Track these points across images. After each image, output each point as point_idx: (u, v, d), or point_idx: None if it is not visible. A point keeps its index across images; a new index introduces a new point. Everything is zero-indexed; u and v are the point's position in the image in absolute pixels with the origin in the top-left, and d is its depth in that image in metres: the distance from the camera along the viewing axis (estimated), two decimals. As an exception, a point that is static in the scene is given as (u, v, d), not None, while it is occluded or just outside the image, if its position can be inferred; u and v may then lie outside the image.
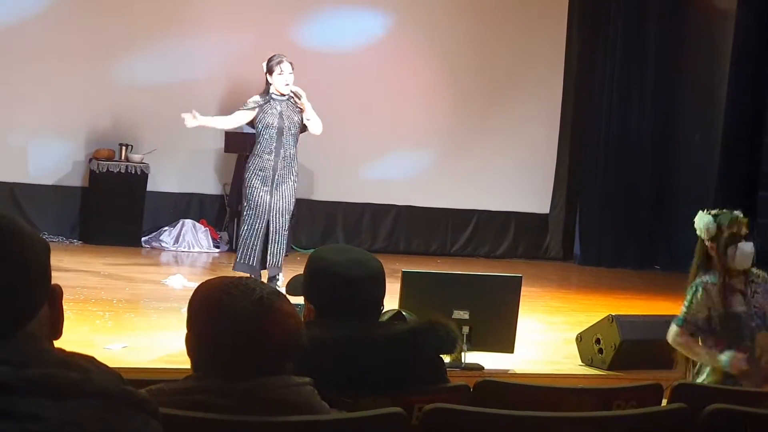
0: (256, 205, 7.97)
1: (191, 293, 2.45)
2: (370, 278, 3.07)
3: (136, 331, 6.53)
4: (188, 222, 11.36)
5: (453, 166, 12.24)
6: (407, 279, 5.82)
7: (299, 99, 7.86)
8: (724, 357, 4.78)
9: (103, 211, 11.04)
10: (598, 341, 6.40)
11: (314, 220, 11.81)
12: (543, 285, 9.99)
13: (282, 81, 7.89)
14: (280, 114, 7.93)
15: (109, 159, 11.12)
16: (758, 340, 4.85)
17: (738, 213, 5.06)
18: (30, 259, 1.62)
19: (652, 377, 4.71)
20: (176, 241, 11.25)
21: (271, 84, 7.96)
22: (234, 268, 8.02)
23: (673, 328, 4.99)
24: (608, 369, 6.26)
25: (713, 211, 5.06)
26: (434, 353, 3.07)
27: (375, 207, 12.15)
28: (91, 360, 1.61)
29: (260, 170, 7.95)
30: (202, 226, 11.40)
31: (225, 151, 11.41)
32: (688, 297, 5.00)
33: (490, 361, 5.99)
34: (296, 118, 7.95)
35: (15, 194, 11.03)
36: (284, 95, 7.94)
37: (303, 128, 8.02)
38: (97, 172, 11.05)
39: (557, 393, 3.43)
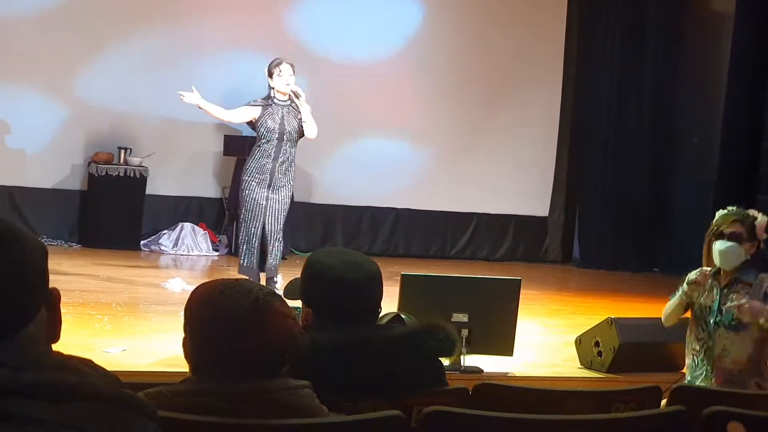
0: (253, 207, 7.98)
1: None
2: (366, 280, 3.08)
3: (135, 335, 6.53)
4: (187, 225, 11.37)
5: (452, 169, 12.25)
6: (406, 282, 5.81)
7: (298, 98, 7.86)
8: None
9: (102, 215, 11.04)
10: (597, 344, 6.39)
11: (313, 223, 11.82)
12: (542, 288, 9.99)
13: (282, 81, 7.90)
14: (282, 119, 7.93)
15: (108, 162, 11.12)
16: (719, 338, 4.84)
17: (729, 210, 4.98)
18: (27, 262, 1.62)
19: (651, 380, 4.70)
20: (175, 244, 11.25)
21: (272, 88, 7.96)
22: (239, 272, 8.03)
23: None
24: (607, 372, 6.26)
25: (730, 208, 5.04)
26: (433, 356, 3.07)
27: (374, 210, 12.16)
28: (88, 363, 1.61)
29: (258, 173, 7.95)
30: (201, 230, 11.40)
31: (224, 155, 11.42)
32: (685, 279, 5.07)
33: (489, 364, 5.99)
34: (296, 123, 7.95)
35: (14, 198, 11.03)
36: (285, 100, 7.94)
37: (302, 133, 8.02)
38: (96, 175, 11.06)
39: (556, 396, 3.43)
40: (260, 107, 7.97)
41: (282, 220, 8.07)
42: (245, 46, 11.33)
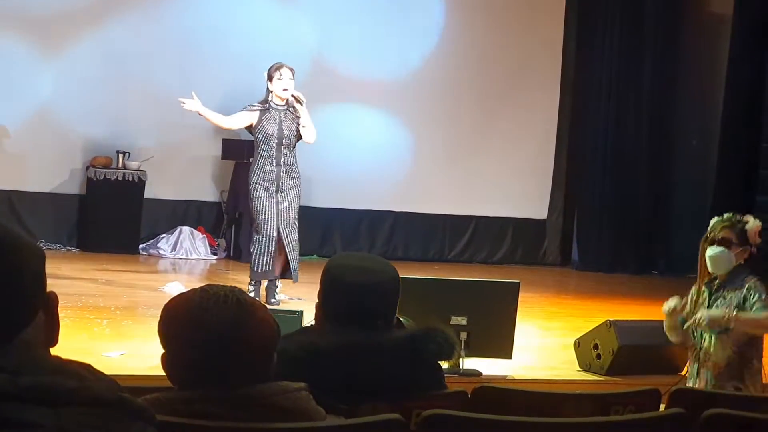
0: (265, 214, 7.95)
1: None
2: (373, 287, 3.05)
3: (134, 339, 6.52)
4: (186, 229, 11.37)
5: (450, 172, 12.25)
6: (405, 285, 5.73)
7: (300, 104, 7.84)
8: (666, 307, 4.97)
9: (101, 219, 11.04)
10: (596, 346, 6.39)
11: (312, 227, 11.80)
12: (541, 290, 9.98)
13: (281, 86, 7.88)
14: (280, 124, 7.91)
15: (107, 166, 11.12)
16: (704, 341, 4.95)
17: (724, 216, 5.02)
18: (24, 266, 1.62)
19: (650, 382, 4.70)
20: (174, 248, 11.25)
21: (271, 92, 7.94)
22: (252, 278, 8.00)
23: None
24: (606, 374, 6.25)
25: (726, 215, 5.07)
26: (432, 359, 3.07)
27: (373, 213, 12.15)
28: (87, 367, 1.61)
29: (264, 180, 7.94)
30: (200, 233, 11.40)
31: (222, 158, 11.42)
32: None
33: (488, 367, 5.98)
34: (294, 127, 7.94)
35: (12, 202, 11.03)
36: (283, 104, 7.92)
37: (299, 137, 8.00)
38: (95, 179, 11.06)
39: (555, 398, 3.43)
40: (258, 112, 7.95)
41: (295, 223, 8.04)
42: (249, 55, 11.32)
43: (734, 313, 4.80)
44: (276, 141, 7.91)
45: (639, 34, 12.51)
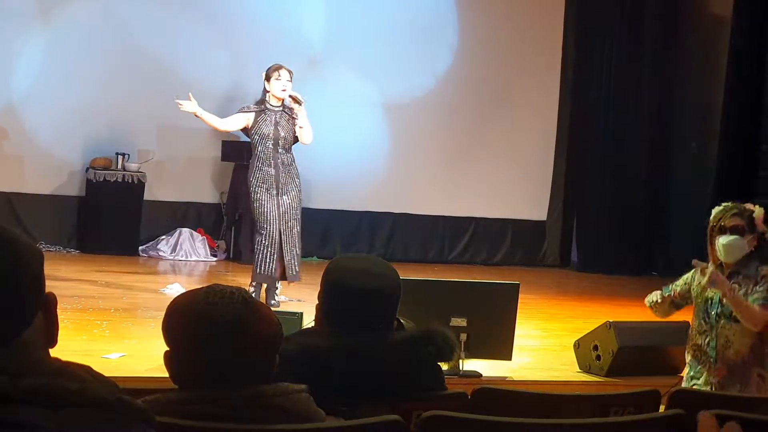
0: (267, 216, 7.94)
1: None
2: (374, 291, 3.04)
3: (133, 340, 6.53)
4: (185, 231, 11.37)
5: (450, 174, 12.25)
6: (404, 287, 5.74)
7: (299, 104, 7.83)
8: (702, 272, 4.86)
9: (101, 221, 11.04)
10: (595, 348, 6.39)
11: (311, 228, 11.78)
12: (540, 292, 9.99)
13: (279, 86, 7.87)
14: (276, 124, 7.90)
15: (106, 168, 11.12)
16: (722, 330, 4.87)
17: (726, 205, 5.00)
18: (23, 268, 1.62)
19: (650, 384, 4.70)
20: (173, 249, 11.25)
21: (268, 92, 7.94)
22: (254, 280, 7.98)
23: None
24: (606, 375, 6.25)
25: (726, 204, 5.04)
26: (432, 361, 3.07)
27: (372, 215, 12.16)
28: (87, 369, 1.61)
29: (263, 182, 7.92)
30: (200, 235, 11.40)
31: (222, 160, 11.43)
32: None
33: (487, 368, 5.99)
34: (290, 128, 7.93)
35: (12, 204, 11.03)
36: (279, 105, 7.92)
37: (296, 139, 7.99)
38: (94, 181, 11.06)
39: (555, 400, 3.43)
40: (253, 113, 7.95)
41: (297, 224, 8.02)
42: (243, 54, 11.33)
43: (738, 292, 4.78)
44: (272, 142, 7.89)
45: (638, 35, 12.52)
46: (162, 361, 2.37)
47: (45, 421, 1.49)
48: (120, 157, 11.16)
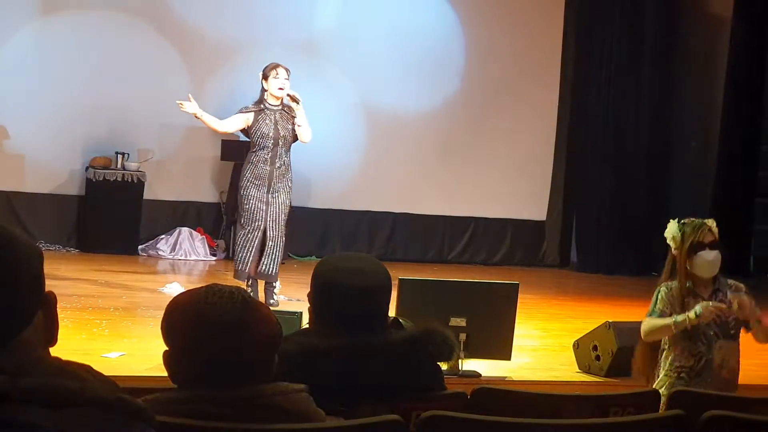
0: (252, 213, 7.94)
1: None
2: (368, 289, 3.03)
3: (133, 339, 6.53)
4: (185, 230, 11.36)
5: (449, 173, 12.25)
6: (404, 286, 5.81)
7: (297, 102, 7.82)
8: (697, 308, 4.68)
9: (100, 220, 11.04)
10: (595, 348, 6.39)
11: (311, 227, 11.81)
12: (540, 292, 9.98)
13: (276, 85, 7.85)
14: (275, 123, 7.90)
15: (106, 167, 11.12)
16: (718, 349, 4.77)
17: (706, 220, 4.96)
18: (22, 267, 1.62)
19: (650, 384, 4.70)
20: (173, 249, 11.24)
21: (266, 91, 7.93)
22: (234, 277, 8.02)
23: (645, 322, 4.90)
24: (605, 376, 6.26)
25: (684, 220, 4.98)
26: (431, 361, 3.06)
27: (372, 214, 12.15)
28: (87, 369, 1.61)
29: (256, 179, 7.92)
30: (199, 234, 11.40)
31: (221, 159, 11.42)
32: (654, 298, 4.91)
33: (487, 368, 5.99)
34: (290, 127, 7.92)
35: (12, 203, 11.03)
36: (278, 104, 7.91)
37: (295, 138, 7.99)
38: (94, 180, 11.06)
39: (554, 400, 3.43)
40: (253, 113, 7.93)
41: (282, 225, 8.04)
42: (241, 55, 11.33)
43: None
44: (272, 141, 7.89)
45: (638, 35, 12.51)
46: (161, 361, 2.37)
47: (45, 420, 1.49)
48: (120, 157, 11.16)
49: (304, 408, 2.40)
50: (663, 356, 4.90)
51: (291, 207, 8.31)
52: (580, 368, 6.50)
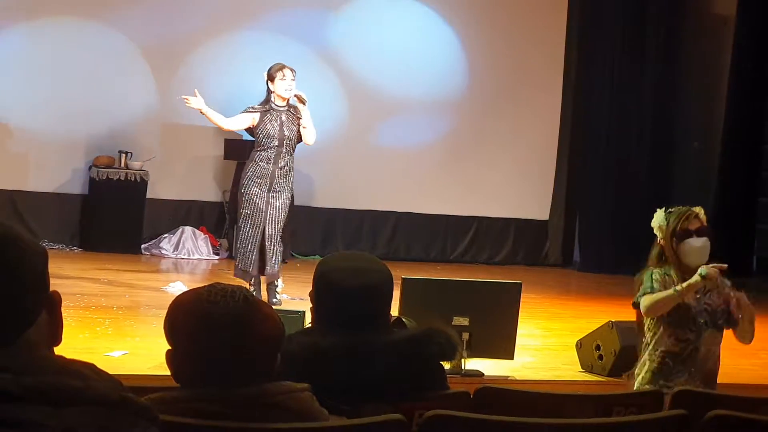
0: (253, 212, 7.95)
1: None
2: (369, 288, 3.03)
3: (135, 338, 6.54)
4: (188, 229, 11.36)
5: (452, 173, 12.25)
6: (407, 286, 5.81)
7: (304, 104, 7.82)
8: (702, 269, 4.59)
9: (103, 219, 11.04)
10: (598, 347, 6.39)
11: (314, 226, 11.81)
12: (543, 291, 9.98)
13: (283, 86, 7.86)
14: (281, 124, 7.90)
15: (109, 166, 11.12)
16: (705, 339, 4.69)
17: (693, 208, 4.90)
18: (27, 266, 1.62)
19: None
20: (176, 248, 11.25)
21: (272, 92, 7.92)
22: (235, 275, 8.03)
23: (644, 299, 4.77)
24: (608, 375, 6.25)
25: (671, 209, 4.93)
26: (434, 360, 3.06)
27: (375, 214, 12.15)
28: (91, 367, 1.61)
29: (258, 178, 7.93)
30: (202, 234, 11.40)
31: (224, 159, 11.43)
32: (646, 279, 4.80)
33: (490, 367, 5.99)
34: (295, 128, 7.93)
35: (15, 202, 11.03)
36: (284, 105, 7.91)
37: (299, 139, 8.00)
38: (97, 179, 11.06)
39: (557, 399, 3.43)
40: (259, 113, 7.94)
41: (282, 225, 8.05)
42: (247, 52, 11.33)
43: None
44: (277, 142, 7.89)
45: (641, 35, 12.50)
46: (164, 360, 2.37)
47: (48, 419, 1.49)
48: (123, 156, 11.16)
49: (307, 407, 2.40)
50: (646, 341, 4.82)
51: (292, 205, 8.30)
52: (582, 368, 6.50)
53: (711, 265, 4.64)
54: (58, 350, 1.67)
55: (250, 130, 8.09)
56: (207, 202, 11.74)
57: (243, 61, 11.16)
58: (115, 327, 6.92)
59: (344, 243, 11.92)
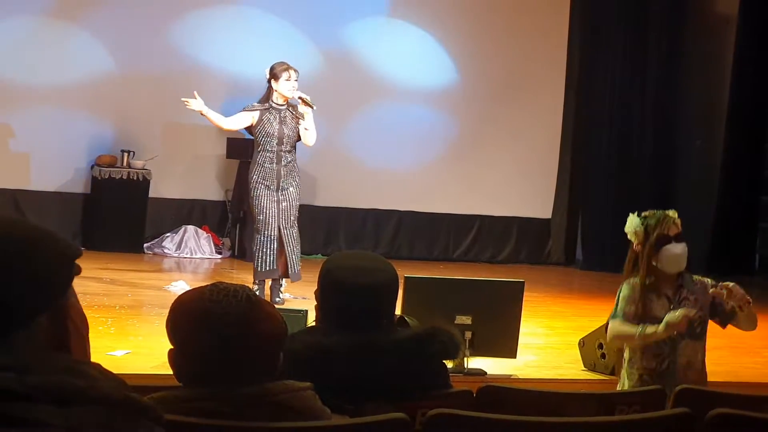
0: (266, 213, 7.97)
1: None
2: (374, 287, 3.02)
3: (138, 338, 6.54)
4: (190, 228, 11.37)
5: (455, 172, 12.25)
6: (410, 285, 5.81)
7: (311, 107, 7.83)
8: (669, 316, 4.44)
9: (106, 218, 11.05)
10: (600, 346, 6.39)
11: (317, 225, 11.81)
12: (545, 290, 9.98)
13: (288, 86, 7.88)
14: (280, 122, 7.92)
15: (111, 165, 11.13)
16: (683, 350, 4.60)
17: (668, 212, 4.80)
18: (17, 265, 1.61)
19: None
20: (178, 247, 11.25)
21: (274, 91, 7.94)
22: (255, 277, 8.02)
23: (611, 324, 4.71)
24: (611, 374, 6.24)
25: (645, 213, 4.84)
26: (437, 359, 3.06)
27: (377, 213, 12.15)
28: (96, 367, 1.61)
29: (264, 179, 7.95)
30: (204, 233, 11.41)
31: (227, 158, 11.43)
32: (618, 295, 4.82)
33: (492, 366, 5.98)
34: (294, 126, 7.94)
35: (18, 201, 11.04)
36: (283, 104, 7.93)
37: (299, 138, 8.01)
38: (99, 178, 11.07)
39: (560, 398, 3.42)
40: (258, 111, 7.96)
41: (294, 219, 8.06)
42: (246, 54, 11.34)
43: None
44: (276, 140, 7.92)
45: (643, 34, 12.50)
46: (166, 359, 2.37)
47: (53, 418, 1.49)
48: (125, 155, 11.17)
49: (310, 406, 2.40)
50: (626, 358, 4.75)
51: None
52: (585, 366, 6.49)
53: (680, 313, 4.46)
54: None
55: (249, 129, 8.10)
56: (209, 201, 11.75)
57: (244, 60, 11.15)
58: (118, 326, 6.92)
59: (347, 242, 11.93)
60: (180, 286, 8.59)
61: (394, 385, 2.93)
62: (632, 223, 4.77)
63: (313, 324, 3.19)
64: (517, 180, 12.45)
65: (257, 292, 7.55)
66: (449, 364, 3.17)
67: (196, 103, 7.99)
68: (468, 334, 5.68)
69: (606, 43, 12.55)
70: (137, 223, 11.17)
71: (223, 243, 11.53)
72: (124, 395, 1.57)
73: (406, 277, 5.84)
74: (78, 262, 1.68)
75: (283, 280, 8.15)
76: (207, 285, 2.39)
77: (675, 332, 4.51)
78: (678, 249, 4.66)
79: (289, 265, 8.00)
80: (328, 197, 11.87)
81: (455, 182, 12.26)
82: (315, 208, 11.74)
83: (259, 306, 2.35)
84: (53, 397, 1.51)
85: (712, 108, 12.39)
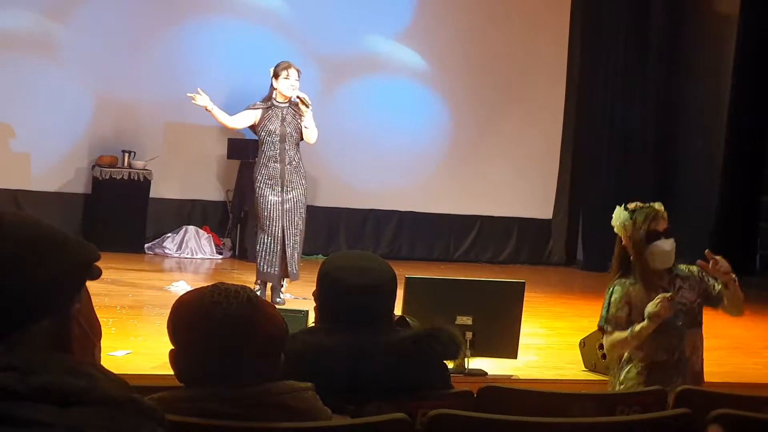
0: (270, 213, 7.96)
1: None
2: (372, 287, 3.02)
3: (139, 338, 6.54)
4: (191, 228, 11.37)
5: (456, 172, 12.25)
6: (410, 285, 5.81)
7: (307, 107, 7.84)
8: (649, 307, 4.44)
9: (106, 218, 11.05)
10: (601, 346, 6.38)
11: (317, 226, 11.80)
12: (546, 290, 9.98)
13: (287, 85, 7.89)
14: (282, 121, 7.93)
15: (112, 166, 11.13)
16: (688, 339, 4.59)
17: (655, 205, 4.79)
18: (10, 266, 1.60)
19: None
20: (179, 247, 11.25)
21: (275, 89, 7.96)
22: (257, 278, 8.03)
23: (604, 341, 4.68)
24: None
25: (631, 206, 4.82)
26: (438, 359, 3.06)
27: (378, 213, 12.15)
28: (98, 367, 1.61)
29: (269, 179, 7.95)
30: (205, 233, 11.41)
31: (228, 158, 11.43)
32: (606, 299, 4.81)
33: (493, 366, 5.99)
34: (296, 125, 7.95)
35: (18, 201, 11.03)
36: (286, 102, 7.94)
37: (302, 136, 8.01)
38: (100, 178, 11.07)
39: (560, 399, 3.42)
40: (261, 110, 7.98)
41: (299, 221, 8.05)
42: (249, 51, 11.34)
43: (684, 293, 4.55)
44: (279, 138, 7.93)
45: (645, 35, 12.50)
46: (167, 359, 2.37)
47: (55, 419, 1.49)
48: (126, 155, 11.17)
49: (311, 406, 2.40)
50: (625, 357, 4.74)
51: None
52: (586, 367, 6.49)
53: (657, 300, 4.44)
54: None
55: (252, 128, 8.11)
56: (210, 202, 11.75)
57: (245, 60, 11.15)
58: (119, 326, 6.92)
59: (347, 242, 11.93)
60: (181, 286, 8.60)
61: (395, 386, 2.93)
62: (620, 216, 4.78)
63: (313, 324, 3.19)
64: (518, 180, 12.45)
65: (258, 293, 7.56)
66: (450, 365, 3.17)
67: (202, 99, 8.02)
68: (469, 335, 5.68)
69: (606, 43, 12.54)
70: (138, 224, 11.17)
71: (223, 243, 11.53)
72: (126, 396, 1.57)
73: (406, 278, 5.83)
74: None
75: (284, 279, 8.15)
76: (208, 286, 2.39)
77: (661, 319, 4.48)
78: (667, 246, 4.70)
79: (289, 265, 8.01)
80: (328, 197, 11.87)
81: (456, 183, 12.26)
82: (316, 208, 11.73)
83: (259, 307, 2.36)
84: (55, 398, 1.50)
85: (713, 108, 12.38)
